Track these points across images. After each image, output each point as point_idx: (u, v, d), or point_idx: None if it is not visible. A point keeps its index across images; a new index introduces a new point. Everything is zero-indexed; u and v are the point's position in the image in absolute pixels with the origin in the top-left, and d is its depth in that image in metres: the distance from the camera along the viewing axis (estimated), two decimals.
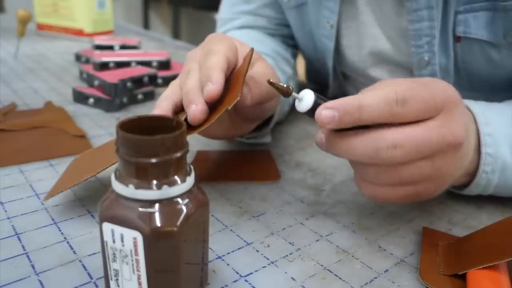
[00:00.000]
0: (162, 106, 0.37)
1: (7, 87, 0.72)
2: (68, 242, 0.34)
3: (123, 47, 0.96)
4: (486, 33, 0.46)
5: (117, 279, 0.26)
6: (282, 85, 0.31)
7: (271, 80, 0.31)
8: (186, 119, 0.34)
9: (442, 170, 0.32)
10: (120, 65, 0.76)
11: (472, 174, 0.38)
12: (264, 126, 0.51)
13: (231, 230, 0.36)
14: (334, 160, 0.49)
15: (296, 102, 0.31)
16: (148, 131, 0.25)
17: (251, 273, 0.31)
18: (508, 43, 0.46)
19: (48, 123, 0.55)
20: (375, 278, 0.31)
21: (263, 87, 0.38)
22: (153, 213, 0.24)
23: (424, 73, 0.52)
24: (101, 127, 0.57)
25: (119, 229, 0.24)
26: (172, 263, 0.25)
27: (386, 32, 0.55)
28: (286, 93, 0.31)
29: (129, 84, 0.65)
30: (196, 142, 0.52)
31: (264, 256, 0.33)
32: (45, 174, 0.44)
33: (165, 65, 0.81)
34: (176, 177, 0.25)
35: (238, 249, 0.34)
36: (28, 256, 0.32)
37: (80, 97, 0.65)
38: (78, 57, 0.91)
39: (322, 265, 0.32)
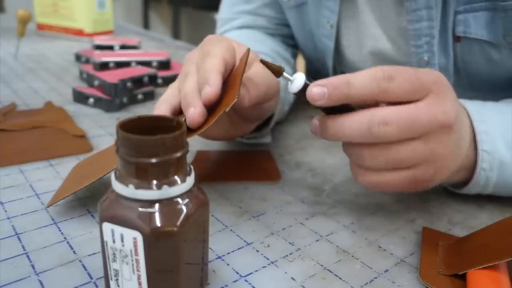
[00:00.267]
0: (160, 109, 0.37)
1: (7, 87, 0.72)
2: (68, 242, 0.34)
3: (123, 47, 0.96)
4: (486, 33, 0.46)
5: (117, 279, 0.26)
6: (274, 64, 0.32)
7: (263, 59, 0.33)
8: (185, 121, 0.34)
9: (436, 151, 0.32)
10: (120, 65, 0.76)
11: (470, 171, 0.38)
12: (264, 126, 0.51)
13: (231, 230, 0.36)
14: (334, 160, 0.49)
15: (289, 84, 0.33)
16: (148, 131, 0.25)
17: (251, 273, 0.31)
18: (508, 43, 0.46)
19: (48, 123, 0.55)
20: (375, 278, 0.31)
21: (261, 87, 0.38)
22: (153, 213, 0.24)
23: None
24: (101, 127, 0.57)
25: (119, 229, 0.24)
26: (172, 263, 0.25)
27: (386, 32, 0.55)
28: (278, 72, 0.32)
29: (129, 84, 0.65)
30: (196, 142, 0.52)
31: (264, 256, 0.33)
32: (45, 174, 0.44)
33: (165, 65, 0.81)
34: (176, 177, 0.25)
35: (238, 249, 0.34)
36: (28, 256, 0.32)
37: (80, 97, 0.65)
38: (78, 57, 0.91)
39: (322, 265, 0.32)
